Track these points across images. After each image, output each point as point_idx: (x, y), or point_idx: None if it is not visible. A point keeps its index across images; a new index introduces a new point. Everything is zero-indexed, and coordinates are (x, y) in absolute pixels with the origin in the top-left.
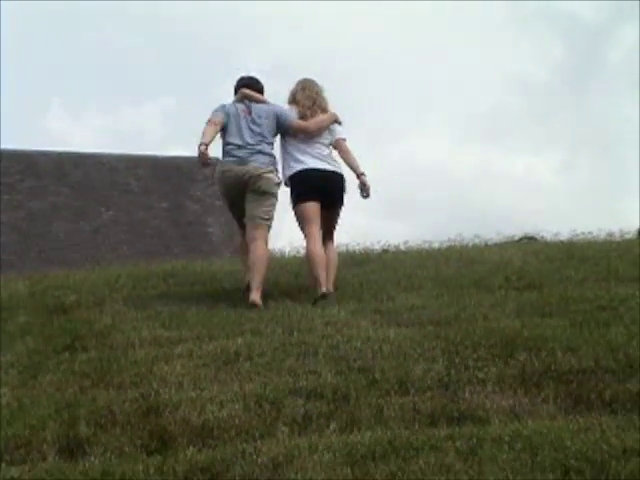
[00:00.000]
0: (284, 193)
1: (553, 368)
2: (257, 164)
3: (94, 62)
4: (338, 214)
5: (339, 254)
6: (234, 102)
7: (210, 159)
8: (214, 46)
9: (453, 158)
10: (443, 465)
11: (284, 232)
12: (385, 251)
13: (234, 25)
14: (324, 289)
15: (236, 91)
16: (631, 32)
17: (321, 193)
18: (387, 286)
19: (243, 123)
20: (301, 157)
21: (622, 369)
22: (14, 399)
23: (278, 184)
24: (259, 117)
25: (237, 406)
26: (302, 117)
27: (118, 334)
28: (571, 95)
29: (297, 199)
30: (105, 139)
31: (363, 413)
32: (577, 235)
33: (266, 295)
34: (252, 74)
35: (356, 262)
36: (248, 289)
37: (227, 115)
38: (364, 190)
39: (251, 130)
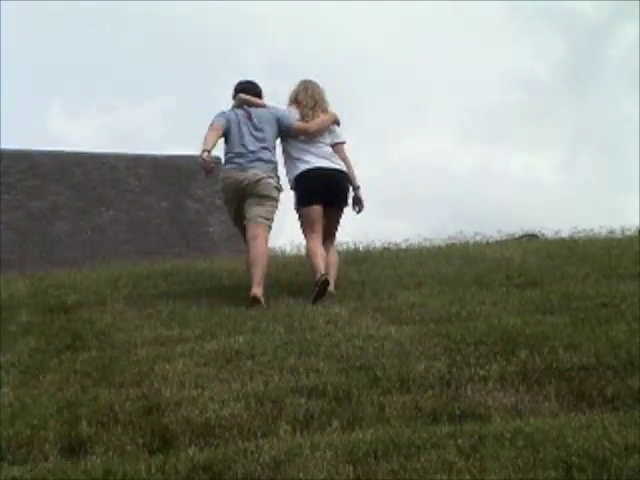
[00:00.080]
0: (285, 196)
1: (554, 365)
2: (256, 171)
3: (94, 62)
4: (341, 214)
5: (340, 253)
6: (233, 108)
7: (214, 164)
8: (214, 46)
9: (454, 157)
10: (445, 463)
11: (285, 231)
12: (386, 249)
13: (234, 25)
14: (324, 272)
15: (234, 96)
16: (631, 31)
17: (325, 193)
18: (388, 284)
19: (244, 129)
20: (305, 157)
21: (623, 366)
22: (15, 399)
23: (278, 189)
24: (260, 122)
25: (239, 405)
26: (304, 117)
27: (119, 333)
28: (571, 94)
29: (302, 200)
30: (105, 139)
31: (365, 411)
32: (578, 232)
33: (267, 293)
34: (250, 78)
35: (357, 260)
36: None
37: (228, 121)
38: (358, 205)
39: (253, 136)
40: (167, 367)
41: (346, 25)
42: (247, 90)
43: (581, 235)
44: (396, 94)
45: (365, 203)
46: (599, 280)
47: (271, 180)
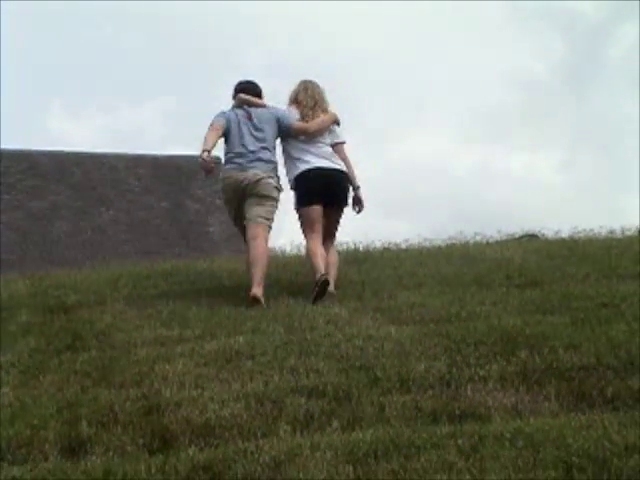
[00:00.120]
0: (285, 196)
1: (555, 365)
2: (256, 171)
3: (94, 62)
4: (341, 214)
5: (340, 253)
6: (233, 108)
7: (214, 164)
8: (214, 46)
9: (454, 157)
10: (445, 463)
11: (285, 231)
12: (386, 249)
13: (234, 25)
14: (324, 272)
15: (234, 96)
16: (631, 30)
17: (325, 193)
18: (388, 284)
19: (245, 129)
20: (305, 157)
21: (624, 366)
22: (15, 399)
23: (278, 189)
24: (260, 122)
25: (239, 405)
26: (304, 117)
27: (119, 333)
28: (571, 94)
29: (302, 200)
30: (105, 139)
31: (365, 411)
32: (578, 232)
33: (267, 293)
34: (250, 78)
35: (357, 260)
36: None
37: (228, 121)
38: (358, 205)
39: (253, 136)
40: (167, 367)
41: (346, 25)
42: (247, 90)
43: (581, 235)
44: (396, 94)
45: (365, 203)
46: (599, 280)
47: (271, 180)
